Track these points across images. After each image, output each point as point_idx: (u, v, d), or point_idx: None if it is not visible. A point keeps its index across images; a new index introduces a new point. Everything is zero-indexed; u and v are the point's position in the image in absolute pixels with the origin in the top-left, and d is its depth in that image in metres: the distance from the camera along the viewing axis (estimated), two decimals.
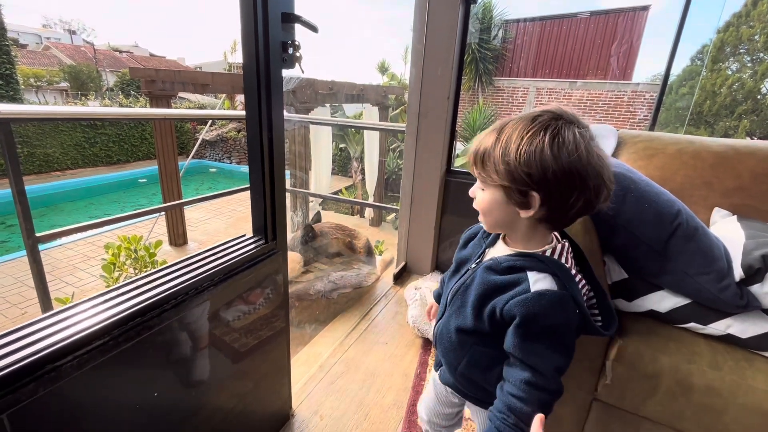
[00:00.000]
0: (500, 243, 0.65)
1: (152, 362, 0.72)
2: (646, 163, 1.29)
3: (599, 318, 0.63)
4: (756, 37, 7.95)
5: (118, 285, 0.73)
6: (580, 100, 9.45)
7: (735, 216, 1.10)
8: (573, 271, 0.58)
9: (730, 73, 8.37)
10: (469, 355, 0.65)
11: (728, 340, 0.85)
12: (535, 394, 0.54)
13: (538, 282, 0.55)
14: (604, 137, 1.38)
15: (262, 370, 1.09)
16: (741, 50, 8.31)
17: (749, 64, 8.27)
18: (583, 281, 0.61)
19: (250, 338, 1.02)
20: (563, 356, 0.55)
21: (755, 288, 0.81)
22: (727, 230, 1.00)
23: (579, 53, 9.84)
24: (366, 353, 1.54)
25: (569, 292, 0.55)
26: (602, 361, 0.92)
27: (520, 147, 0.52)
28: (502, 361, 0.61)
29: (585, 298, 0.62)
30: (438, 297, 0.85)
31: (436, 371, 0.79)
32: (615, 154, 1.37)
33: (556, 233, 0.63)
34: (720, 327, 0.84)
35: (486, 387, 0.65)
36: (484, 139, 0.57)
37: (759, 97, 8.08)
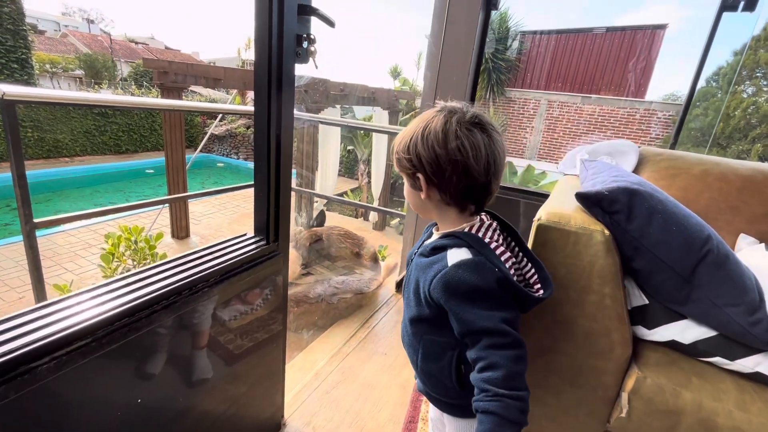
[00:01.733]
0: (433, 233, 0.74)
1: (138, 366, 0.67)
2: (669, 183, 1.23)
3: (540, 289, 0.66)
4: None
5: (107, 281, 0.68)
6: (591, 115, 9.39)
7: (763, 244, 1.04)
8: (494, 245, 0.63)
9: (745, 96, 8.27)
10: (422, 346, 0.70)
11: (757, 378, 0.79)
12: (498, 354, 0.56)
13: (455, 256, 0.61)
14: (625, 153, 1.33)
15: (256, 374, 1.04)
16: (758, 74, 8.21)
17: (766, 88, 8.17)
18: (508, 254, 0.65)
19: (245, 340, 0.97)
20: (503, 310, 0.59)
21: None
22: (756, 259, 0.94)
23: (593, 68, 9.77)
24: (364, 363, 1.49)
25: (483, 257, 0.60)
26: (617, 392, 0.86)
27: (405, 139, 0.64)
28: (449, 347, 0.66)
29: (522, 271, 0.69)
30: None
31: (416, 380, 0.80)
32: (636, 172, 1.31)
33: (484, 216, 0.70)
34: (748, 364, 0.78)
35: (442, 380, 0.68)
36: (395, 139, 0.68)
37: None
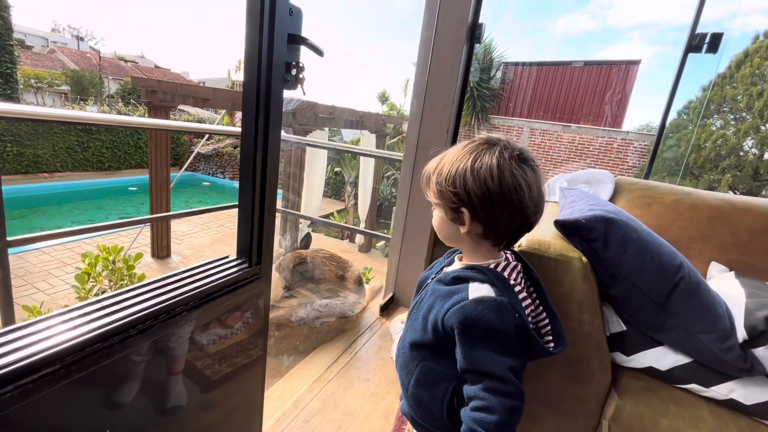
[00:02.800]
0: (455, 261, 0.72)
1: (108, 394, 0.65)
2: (643, 211, 1.28)
3: (551, 341, 0.65)
4: (739, 97, 8.36)
5: (79, 304, 0.66)
6: (571, 143, 9.72)
7: (732, 272, 1.08)
8: (518, 288, 0.62)
9: (714, 129, 8.73)
10: (418, 371, 0.67)
11: (731, 405, 0.80)
12: (496, 400, 0.54)
13: (477, 290, 0.60)
14: (602, 182, 1.38)
15: (233, 402, 1.01)
16: (725, 108, 8.71)
17: (732, 122, 8.65)
18: (529, 300, 0.65)
19: (223, 366, 0.94)
20: (513, 358, 0.57)
21: (759, 351, 0.77)
22: (726, 287, 0.97)
23: (572, 99, 10.22)
24: (346, 390, 1.45)
25: (506, 298, 0.58)
26: (598, 419, 0.86)
27: (450, 170, 0.61)
28: (447, 378, 0.63)
29: (536, 319, 0.67)
30: None
31: (401, 402, 0.78)
32: (612, 200, 1.36)
33: (509, 254, 0.68)
34: (722, 390, 0.80)
35: (432, 409, 0.66)
36: (430, 165, 0.67)
37: (741, 153, 8.40)
